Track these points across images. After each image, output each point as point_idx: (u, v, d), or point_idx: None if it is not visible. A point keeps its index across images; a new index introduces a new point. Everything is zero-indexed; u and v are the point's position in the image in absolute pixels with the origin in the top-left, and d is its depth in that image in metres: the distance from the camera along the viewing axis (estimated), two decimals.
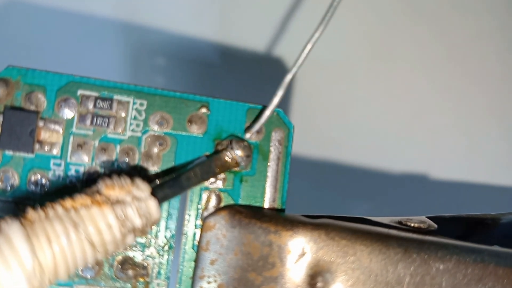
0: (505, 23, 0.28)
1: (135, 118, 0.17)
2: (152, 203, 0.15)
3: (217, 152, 0.17)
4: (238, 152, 0.17)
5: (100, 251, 0.15)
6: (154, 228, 0.17)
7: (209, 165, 0.17)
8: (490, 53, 0.28)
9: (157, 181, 0.17)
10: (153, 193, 0.16)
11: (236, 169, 0.18)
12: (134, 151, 0.17)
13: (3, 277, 0.13)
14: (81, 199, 0.15)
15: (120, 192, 0.15)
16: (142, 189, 0.15)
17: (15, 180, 0.17)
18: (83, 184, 0.17)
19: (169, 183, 0.16)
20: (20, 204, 0.17)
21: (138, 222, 0.15)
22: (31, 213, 0.14)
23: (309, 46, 0.17)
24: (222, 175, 0.18)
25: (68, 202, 0.15)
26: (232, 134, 0.18)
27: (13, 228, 0.14)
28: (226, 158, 0.17)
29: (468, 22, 0.28)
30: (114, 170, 0.17)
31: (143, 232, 0.15)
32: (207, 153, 0.18)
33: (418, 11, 0.28)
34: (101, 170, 0.17)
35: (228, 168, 0.17)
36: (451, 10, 0.28)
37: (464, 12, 0.28)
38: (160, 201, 0.16)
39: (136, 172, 0.17)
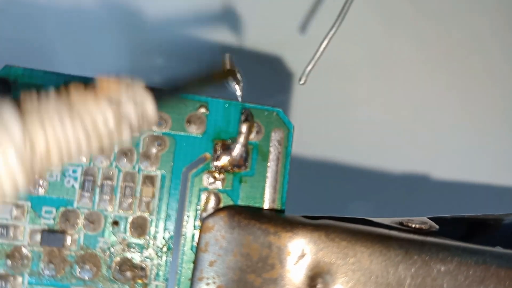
0: (508, 22, 0.28)
1: None
2: (147, 101, 0.15)
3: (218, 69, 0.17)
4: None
5: (94, 141, 0.14)
6: (152, 229, 0.17)
7: (206, 72, 0.17)
8: (493, 52, 0.28)
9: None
10: (149, 93, 0.15)
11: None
12: (133, 151, 0.17)
13: None
14: (76, 89, 0.14)
15: (116, 88, 0.14)
16: (137, 85, 0.15)
17: None
18: (81, 184, 0.17)
19: (165, 86, 0.16)
20: (18, 204, 0.17)
21: (133, 113, 0.14)
22: (24, 96, 0.14)
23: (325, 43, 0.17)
24: (221, 176, 0.18)
25: (63, 90, 0.14)
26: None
27: (4, 107, 0.13)
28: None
29: (471, 21, 0.28)
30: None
31: (138, 128, 0.15)
32: (207, 153, 0.18)
33: (420, 10, 0.27)
34: (99, 171, 0.17)
35: (224, 77, 0.17)
36: (454, 9, 0.28)
37: (467, 11, 0.28)
38: (156, 100, 0.15)
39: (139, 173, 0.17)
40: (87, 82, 0.15)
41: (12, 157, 0.13)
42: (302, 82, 0.18)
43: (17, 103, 0.14)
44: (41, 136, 0.13)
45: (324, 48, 0.18)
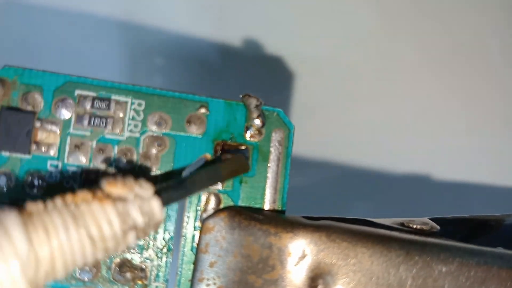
0: (509, 22, 0.28)
1: (133, 118, 0.17)
2: (155, 203, 0.15)
3: (224, 157, 0.17)
4: (257, 122, 0.17)
5: (99, 248, 0.14)
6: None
7: (215, 170, 0.17)
8: (495, 52, 0.28)
9: (162, 184, 0.16)
10: (157, 194, 0.15)
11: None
12: (132, 152, 0.17)
13: None
14: (81, 194, 0.14)
15: (123, 189, 0.14)
16: (145, 188, 0.15)
17: (12, 181, 0.17)
18: (81, 185, 0.17)
19: (173, 186, 0.16)
20: (17, 205, 0.17)
21: (140, 220, 0.14)
22: (29, 205, 0.14)
23: None
24: None
25: (68, 197, 0.14)
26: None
27: (9, 217, 0.13)
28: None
29: (472, 20, 0.28)
30: (118, 170, 0.17)
31: (145, 232, 0.15)
32: (207, 153, 0.17)
33: (422, 9, 0.27)
34: (100, 171, 0.17)
35: (236, 174, 0.17)
36: (456, 8, 0.28)
37: (468, 10, 0.28)
38: (164, 203, 0.15)
39: (139, 174, 0.17)
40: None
41: (16, 270, 0.13)
42: None
43: (22, 210, 0.14)
44: (45, 246, 0.13)
45: None
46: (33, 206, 0.14)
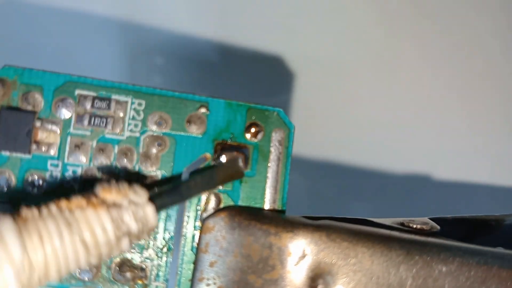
0: (509, 22, 0.28)
1: (133, 118, 0.17)
2: (149, 209, 0.15)
3: (220, 163, 0.17)
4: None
5: (93, 254, 0.14)
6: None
7: (211, 175, 0.17)
8: (493, 52, 0.28)
9: (156, 189, 0.16)
10: (151, 200, 0.15)
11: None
12: (133, 151, 0.17)
13: None
14: (76, 201, 0.14)
15: (117, 195, 0.15)
16: (139, 194, 0.15)
17: (12, 181, 0.17)
18: (81, 185, 0.17)
19: (168, 191, 0.16)
20: (17, 205, 0.17)
21: (134, 226, 0.15)
22: (24, 211, 0.14)
23: None
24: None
25: (63, 203, 0.14)
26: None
27: (4, 223, 0.13)
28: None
29: (472, 21, 0.28)
30: (112, 175, 0.17)
31: (138, 238, 0.15)
32: (207, 153, 0.17)
33: (421, 9, 0.27)
34: (99, 172, 0.17)
35: (231, 179, 0.17)
36: (456, 8, 0.28)
37: (468, 10, 0.28)
38: (158, 208, 0.15)
39: (135, 178, 0.17)
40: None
41: (10, 276, 0.13)
42: None
43: (17, 216, 0.14)
44: (39, 252, 0.13)
45: None
46: (28, 212, 0.14)
